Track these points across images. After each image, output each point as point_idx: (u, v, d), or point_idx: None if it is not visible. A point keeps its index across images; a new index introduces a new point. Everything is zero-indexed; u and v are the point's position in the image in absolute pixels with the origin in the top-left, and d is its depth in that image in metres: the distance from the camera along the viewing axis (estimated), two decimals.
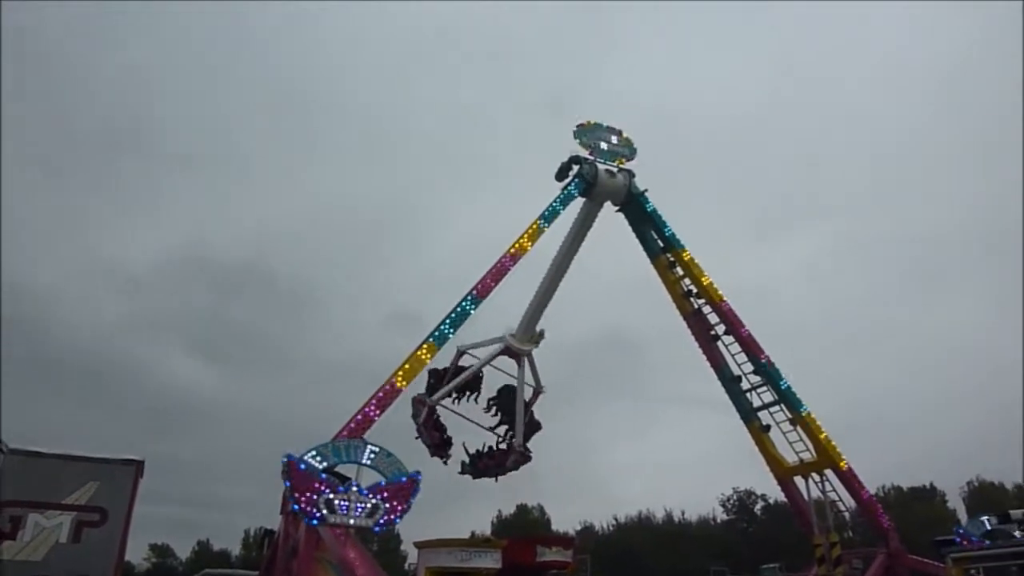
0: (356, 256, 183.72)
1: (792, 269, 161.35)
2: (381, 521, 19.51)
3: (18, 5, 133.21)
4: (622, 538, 76.93)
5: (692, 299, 32.79)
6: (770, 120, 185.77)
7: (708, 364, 32.94)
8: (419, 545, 33.62)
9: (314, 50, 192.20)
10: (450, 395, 30.76)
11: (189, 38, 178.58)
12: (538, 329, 31.18)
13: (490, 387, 32.07)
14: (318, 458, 19.60)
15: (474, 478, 31.87)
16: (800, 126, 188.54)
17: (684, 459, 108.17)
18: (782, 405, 30.64)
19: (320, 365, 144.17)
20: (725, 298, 31.69)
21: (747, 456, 33.73)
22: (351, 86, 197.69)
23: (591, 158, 31.30)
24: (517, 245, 28.13)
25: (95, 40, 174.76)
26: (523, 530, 67.96)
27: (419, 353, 24.98)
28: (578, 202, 30.88)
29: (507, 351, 30.83)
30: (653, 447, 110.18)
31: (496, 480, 31.74)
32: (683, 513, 79.39)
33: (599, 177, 30.77)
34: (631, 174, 32.12)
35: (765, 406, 31.22)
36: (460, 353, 30.89)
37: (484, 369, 31.18)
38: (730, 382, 32.13)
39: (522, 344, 30.76)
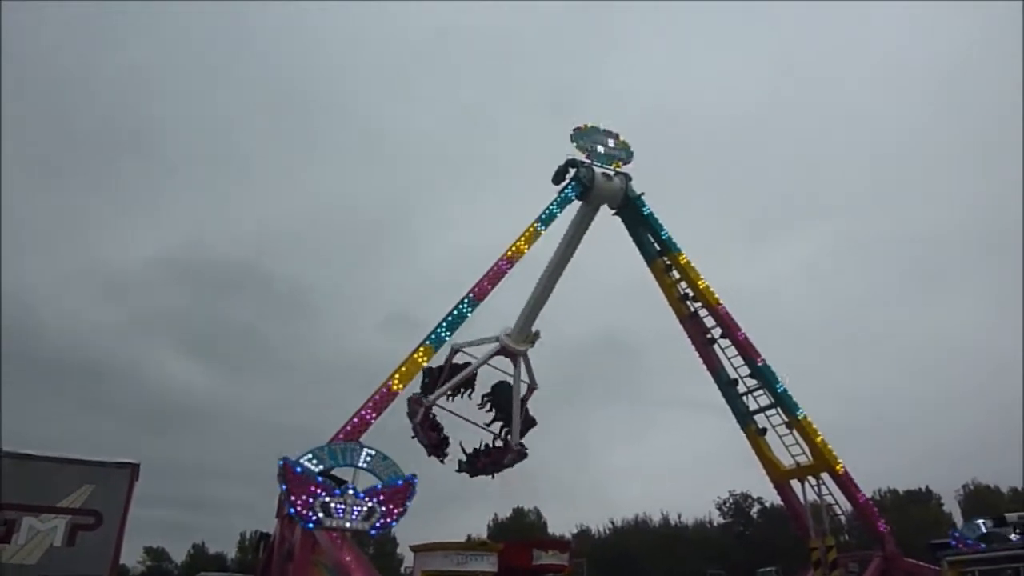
0: (354, 257, 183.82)
1: (792, 270, 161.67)
2: (377, 524, 19.55)
3: (18, 5, 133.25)
4: (618, 542, 76.85)
5: (688, 302, 32.80)
6: (770, 120, 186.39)
7: (704, 367, 32.94)
8: (415, 548, 33.60)
9: (313, 50, 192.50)
10: (445, 394, 30.75)
11: (189, 38, 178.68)
12: (534, 329, 31.22)
13: (484, 383, 32.18)
14: (314, 461, 19.62)
15: (471, 476, 31.97)
16: (800, 126, 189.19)
17: (681, 462, 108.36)
18: (778, 408, 30.64)
19: (317, 367, 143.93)
20: (721, 301, 31.71)
21: (743, 459, 33.83)
22: (350, 86, 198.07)
23: (588, 162, 31.33)
24: (514, 248, 28.14)
25: (95, 40, 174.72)
26: (519, 533, 67.90)
27: (415, 356, 24.95)
28: (575, 205, 30.92)
29: (503, 351, 30.87)
30: (650, 450, 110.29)
31: (493, 477, 31.87)
32: (679, 516, 79.38)
33: (596, 180, 30.81)
34: (628, 177, 32.15)
35: (761, 409, 31.23)
36: (454, 351, 30.91)
37: (474, 363, 31.21)
38: (726, 385, 32.12)
39: (518, 344, 30.79)
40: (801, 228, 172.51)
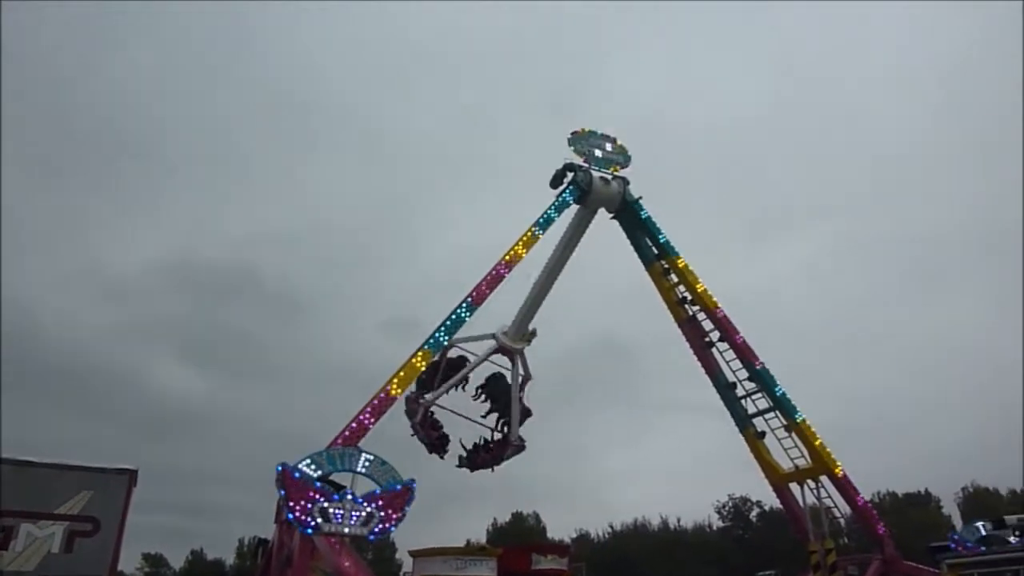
0: (353, 259, 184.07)
1: (792, 270, 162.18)
2: (376, 530, 19.48)
3: (18, 5, 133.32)
4: (618, 546, 76.78)
5: (687, 306, 32.80)
6: (770, 120, 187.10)
7: (703, 371, 32.93)
8: (414, 554, 33.55)
9: (313, 50, 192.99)
10: (435, 383, 30.83)
11: (188, 38, 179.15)
12: (530, 328, 31.48)
13: (477, 375, 32.31)
14: (312, 466, 19.57)
15: (471, 471, 32.25)
16: (800, 126, 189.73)
17: (680, 466, 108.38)
18: (777, 411, 30.63)
19: (315, 372, 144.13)
20: (720, 305, 31.71)
21: (742, 463, 33.78)
22: (350, 87, 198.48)
23: (585, 165, 31.37)
24: (512, 253, 28.19)
25: (95, 40, 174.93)
26: (518, 538, 67.76)
27: (414, 361, 24.94)
28: (572, 208, 30.98)
29: (501, 349, 31.13)
30: (648, 454, 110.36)
31: (492, 471, 32.27)
32: (679, 520, 79.37)
33: (593, 184, 30.85)
34: (625, 181, 32.20)
35: (760, 412, 31.21)
36: (449, 345, 30.99)
37: (470, 358, 31.44)
38: (725, 389, 32.11)
39: (514, 343, 31.04)
40: (801, 228, 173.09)
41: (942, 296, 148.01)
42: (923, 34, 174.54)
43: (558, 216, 29.98)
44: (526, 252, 28.62)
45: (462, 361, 31.38)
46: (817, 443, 29.70)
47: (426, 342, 25.58)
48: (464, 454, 32.14)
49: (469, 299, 26.80)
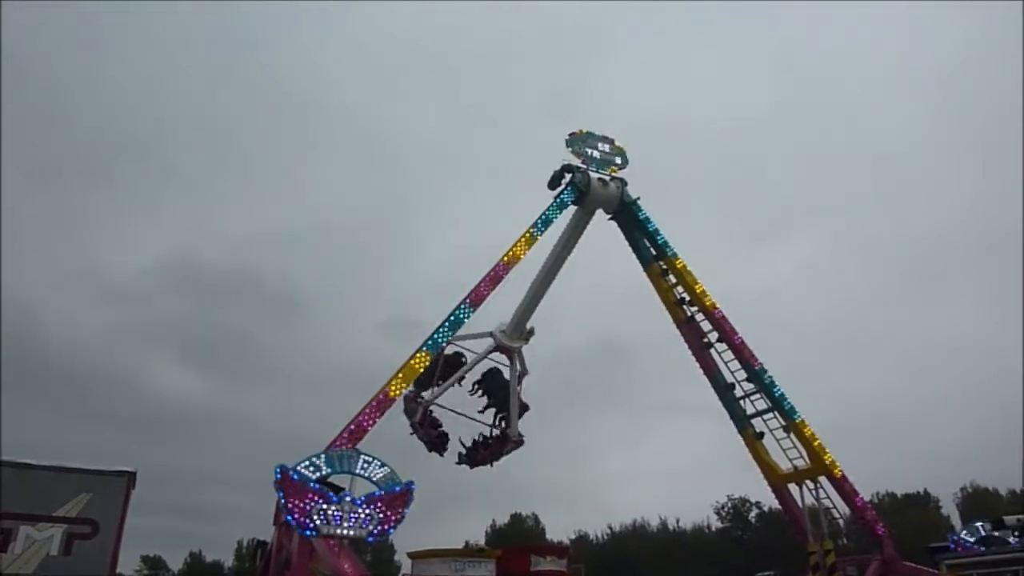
0: (353, 260, 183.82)
1: (791, 270, 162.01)
2: (375, 531, 19.46)
3: (18, 5, 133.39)
4: (617, 547, 76.68)
5: (685, 307, 32.82)
6: (770, 120, 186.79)
7: (701, 372, 32.95)
8: (413, 555, 33.58)
9: (313, 51, 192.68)
10: (438, 385, 30.90)
11: (188, 39, 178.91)
12: (528, 327, 31.80)
13: (474, 370, 32.32)
14: (311, 468, 19.56)
15: (471, 467, 32.53)
16: (800, 126, 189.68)
17: (678, 467, 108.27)
18: (776, 412, 30.65)
19: (314, 373, 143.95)
20: (718, 305, 31.75)
21: (741, 464, 33.81)
22: (350, 87, 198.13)
23: (583, 167, 31.42)
24: (511, 254, 28.28)
25: (95, 40, 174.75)
26: (517, 539, 67.72)
27: (413, 362, 24.97)
28: (571, 209, 31.03)
29: (499, 347, 31.46)
30: (647, 455, 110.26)
31: (492, 466, 32.56)
32: (678, 521, 79.19)
33: (592, 186, 30.92)
34: (623, 183, 32.26)
35: (759, 413, 31.24)
36: (447, 343, 31.08)
37: (467, 355, 31.67)
38: (723, 389, 32.14)
39: (512, 341, 31.42)
40: (800, 228, 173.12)
41: (942, 296, 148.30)
42: (923, 34, 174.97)
43: (557, 217, 30.11)
44: (525, 253, 28.74)
45: (458, 357, 31.46)
46: (816, 443, 29.73)
47: (425, 343, 25.63)
48: (463, 451, 32.37)
49: (468, 300, 26.88)
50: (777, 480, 31.29)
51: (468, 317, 27.04)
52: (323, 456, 20.11)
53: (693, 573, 66.14)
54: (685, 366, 33.97)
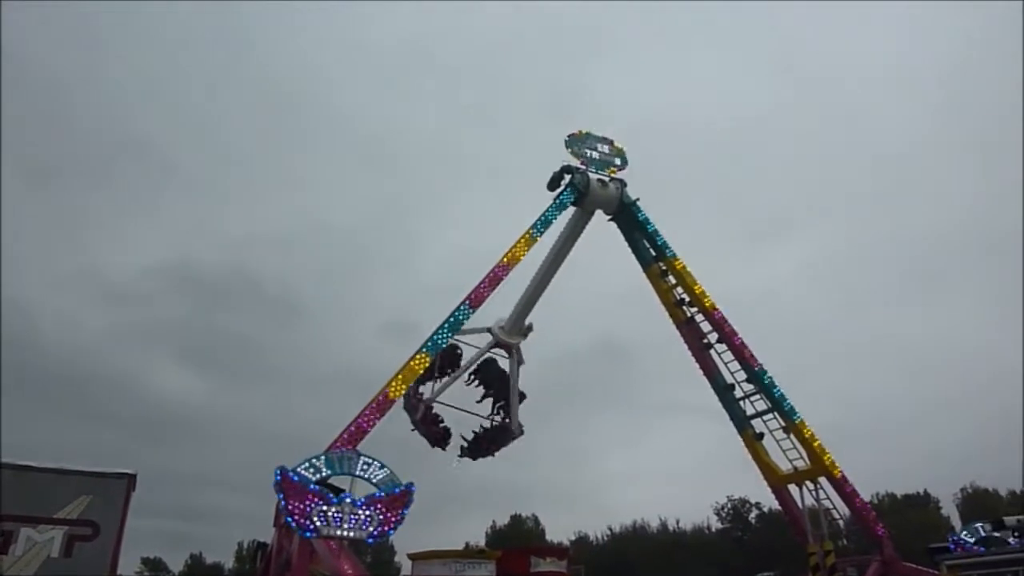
0: (353, 261, 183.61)
1: (791, 271, 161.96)
2: (375, 533, 19.48)
3: (18, 5, 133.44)
4: (617, 548, 76.64)
5: (685, 307, 32.81)
6: (770, 120, 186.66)
7: (701, 372, 32.96)
8: (413, 557, 33.62)
9: (313, 51, 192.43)
10: (435, 378, 31.14)
11: (187, 39, 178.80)
12: (526, 323, 32.18)
13: (469, 360, 32.48)
14: (311, 470, 19.58)
15: (473, 460, 32.97)
16: (800, 126, 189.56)
17: (678, 468, 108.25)
18: (775, 413, 30.66)
19: (314, 374, 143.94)
20: (718, 306, 31.75)
21: (741, 464, 33.80)
22: (350, 87, 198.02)
23: (583, 168, 31.45)
24: (510, 255, 28.29)
25: (95, 41, 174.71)
26: (517, 540, 67.71)
27: (412, 363, 24.98)
28: (570, 208, 31.07)
29: (498, 344, 31.90)
30: (647, 456, 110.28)
31: (493, 456, 33.15)
32: (678, 522, 79.12)
33: (591, 187, 30.96)
34: (623, 183, 32.29)
35: (759, 414, 31.23)
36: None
37: (462, 347, 31.96)
38: (723, 390, 32.13)
39: (510, 337, 31.83)
40: (800, 229, 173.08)
41: (942, 296, 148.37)
42: (923, 34, 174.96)
43: (556, 218, 30.17)
44: (525, 254, 28.78)
45: (453, 349, 31.57)
46: (816, 444, 29.73)
47: (424, 345, 25.66)
48: (465, 444, 32.72)
49: (468, 300, 26.89)
50: (777, 481, 31.29)
51: (468, 318, 27.10)
52: (323, 458, 20.13)
53: (693, 574, 66.11)
54: (685, 367, 34.04)
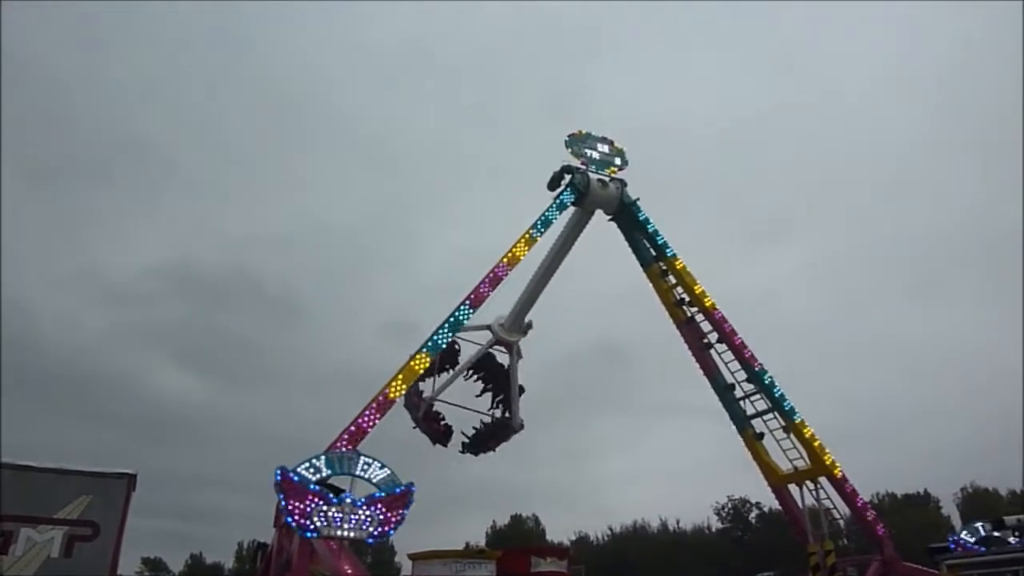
0: (351, 262, 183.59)
1: (791, 271, 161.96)
2: (375, 533, 19.47)
3: (18, 5, 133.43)
4: (617, 548, 76.65)
5: (685, 307, 32.81)
6: (770, 121, 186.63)
7: (701, 372, 32.95)
8: (413, 557, 33.58)
9: (312, 51, 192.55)
10: (435, 375, 31.14)
11: (187, 39, 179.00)
12: (526, 320, 32.38)
13: (467, 355, 32.63)
14: (312, 470, 19.56)
15: (475, 455, 33.38)
16: (800, 126, 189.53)
17: (678, 468, 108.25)
18: (776, 413, 30.65)
19: (313, 375, 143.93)
20: (718, 306, 31.76)
21: (741, 464, 33.81)
22: (350, 87, 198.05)
23: (583, 168, 31.46)
24: (510, 255, 28.29)
25: (94, 41, 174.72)
26: (518, 540, 67.72)
27: (412, 364, 24.97)
28: (570, 208, 31.08)
29: (499, 341, 32.19)
30: (647, 456, 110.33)
31: (495, 451, 33.53)
32: (678, 522, 79.17)
33: (591, 187, 30.96)
34: (623, 183, 32.30)
35: (759, 414, 31.22)
36: None
37: (460, 342, 32.04)
38: (723, 390, 32.11)
39: (510, 335, 32.11)
40: (800, 229, 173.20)
41: (942, 296, 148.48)
42: (923, 34, 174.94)
43: (556, 218, 30.19)
44: (525, 254, 28.79)
45: (452, 346, 31.58)
46: (816, 444, 29.72)
47: (424, 345, 25.66)
48: (466, 441, 32.97)
49: (468, 301, 26.88)
50: (777, 481, 31.28)
51: (468, 318, 27.13)
52: (323, 458, 20.11)
53: (693, 574, 66.11)
54: (685, 367, 34.04)
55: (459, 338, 31.13)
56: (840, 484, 29.81)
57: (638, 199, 32.47)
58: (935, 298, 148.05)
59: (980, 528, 28.74)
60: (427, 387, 31.26)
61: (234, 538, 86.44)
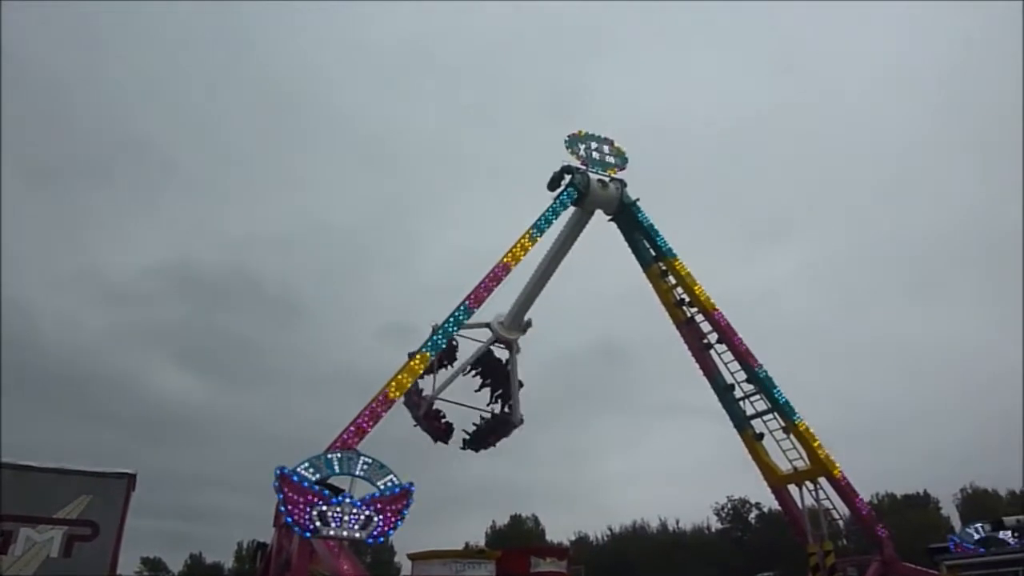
0: (351, 262, 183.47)
1: (791, 271, 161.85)
2: (375, 533, 19.46)
3: (18, 5, 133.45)
4: (617, 548, 76.67)
5: (685, 308, 32.80)
6: (770, 120, 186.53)
7: (701, 373, 32.96)
8: (413, 557, 33.65)
9: (312, 51, 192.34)
10: (433, 372, 31.09)
11: (187, 39, 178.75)
12: (526, 318, 32.56)
13: (465, 351, 32.89)
14: (311, 470, 19.55)
15: (476, 451, 33.53)
16: (800, 126, 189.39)
17: (678, 468, 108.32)
18: (775, 413, 30.65)
19: (313, 375, 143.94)
20: (717, 306, 31.75)
21: (741, 464, 33.82)
22: (350, 87, 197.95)
23: (583, 168, 31.44)
24: (510, 255, 28.27)
25: (94, 41, 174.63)
26: (517, 541, 67.74)
27: (412, 364, 24.98)
28: (570, 208, 31.08)
29: (498, 340, 32.37)
30: (647, 456, 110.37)
31: (495, 446, 33.64)
32: (678, 522, 79.16)
33: (591, 187, 30.94)
34: (623, 184, 32.27)
35: (758, 414, 31.22)
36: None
37: (458, 339, 31.95)
38: (723, 391, 32.11)
39: (510, 333, 32.27)
40: (801, 228, 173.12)
41: (942, 297, 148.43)
42: (923, 34, 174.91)
43: (556, 219, 30.14)
44: (525, 254, 28.77)
45: (449, 342, 31.39)
46: (815, 444, 29.73)
47: (425, 344, 25.66)
48: (467, 437, 33.07)
49: (467, 302, 26.87)
50: (777, 481, 31.29)
51: (468, 319, 27.19)
52: (323, 458, 20.10)
53: (693, 574, 66.13)
54: (685, 367, 34.04)
55: (458, 335, 31.19)
56: (840, 484, 29.79)
57: (638, 199, 32.46)
58: (935, 298, 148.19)
59: (979, 528, 28.79)
60: (427, 385, 31.32)
61: (234, 538, 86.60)
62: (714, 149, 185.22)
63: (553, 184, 31.27)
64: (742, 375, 31.46)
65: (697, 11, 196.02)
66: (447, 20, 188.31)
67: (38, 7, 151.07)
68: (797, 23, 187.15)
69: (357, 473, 20.06)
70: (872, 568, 29.29)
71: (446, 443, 32.70)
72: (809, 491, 30.22)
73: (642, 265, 33.58)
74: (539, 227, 29.36)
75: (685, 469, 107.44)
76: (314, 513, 18.79)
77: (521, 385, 33.51)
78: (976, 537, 29.05)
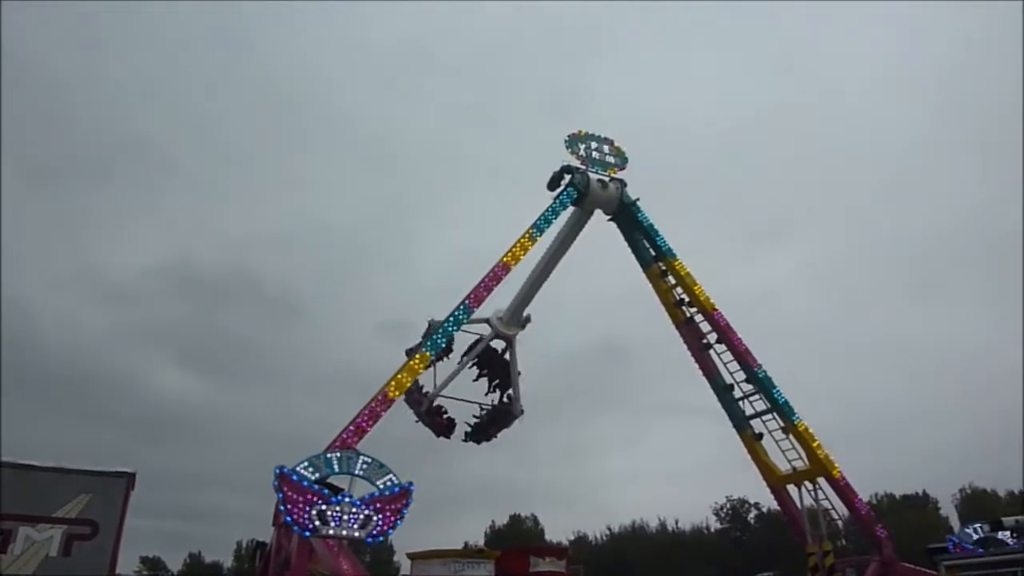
0: (351, 262, 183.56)
1: (790, 272, 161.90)
2: (374, 532, 19.46)
3: (18, 5, 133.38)
4: (616, 548, 76.76)
5: (684, 308, 32.79)
6: (770, 120, 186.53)
7: (701, 373, 32.96)
8: (412, 556, 33.64)
9: (312, 51, 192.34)
10: (431, 366, 31.07)
11: (187, 39, 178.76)
12: (524, 315, 32.60)
13: (461, 343, 32.77)
14: (310, 469, 19.55)
15: (477, 444, 33.57)
16: (800, 126, 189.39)
17: (678, 468, 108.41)
18: (775, 413, 30.66)
19: (313, 375, 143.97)
20: (717, 307, 31.75)
21: (740, 464, 33.83)
22: (350, 87, 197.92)
23: (583, 168, 31.43)
24: (510, 255, 28.26)
25: (94, 41, 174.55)
26: (516, 540, 67.79)
27: (412, 364, 24.99)
28: (570, 208, 31.08)
29: (498, 335, 32.40)
30: (646, 456, 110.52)
31: (496, 437, 33.66)
32: (677, 522, 79.25)
33: (591, 187, 30.92)
34: (623, 184, 32.25)
35: (758, 414, 31.23)
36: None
37: (455, 333, 31.82)
38: (722, 391, 32.11)
39: (509, 329, 32.25)
40: (801, 228, 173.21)
41: (941, 297, 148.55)
42: (923, 34, 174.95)
43: (556, 218, 30.13)
44: (524, 254, 28.78)
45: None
46: (815, 444, 29.73)
47: (425, 344, 25.65)
48: (468, 430, 33.16)
49: (467, 302, 26.88)
50: (776, 481, 31.29)
51: (467, 319, 27.19)
52: (322, 457, 20.10)
53: (692, 574, 66.17)
54: (684, 367, 34.02)
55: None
56: (839, 484, 29.78)
57: (638, 199, 32.45)
58: (935, 298, 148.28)
59: (978, 529, 28.83)
60: (427, 380, 31.35)
61: (233, 537, 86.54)
62: (714, 149, 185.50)
63: (553, 184, 31.24)
64: (741, 375, 31.47)
65: (697, 11, 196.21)
66: (447, 20, 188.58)
67: (38, 7, 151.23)
68: (797, 23, 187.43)
69: (356, 472, 20.05)
70: (871, 568, 29.29)
71: (448, 438, 32.85)
72: (808, 491, 30.23)
73: (642, 265, 33.57)
74: (539, 227, 29.35)
75: (685, 469, 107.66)
76: (313, 512, 18.79)
77: (519, 374, 33.54)
78: (975, 537, 29.10)
